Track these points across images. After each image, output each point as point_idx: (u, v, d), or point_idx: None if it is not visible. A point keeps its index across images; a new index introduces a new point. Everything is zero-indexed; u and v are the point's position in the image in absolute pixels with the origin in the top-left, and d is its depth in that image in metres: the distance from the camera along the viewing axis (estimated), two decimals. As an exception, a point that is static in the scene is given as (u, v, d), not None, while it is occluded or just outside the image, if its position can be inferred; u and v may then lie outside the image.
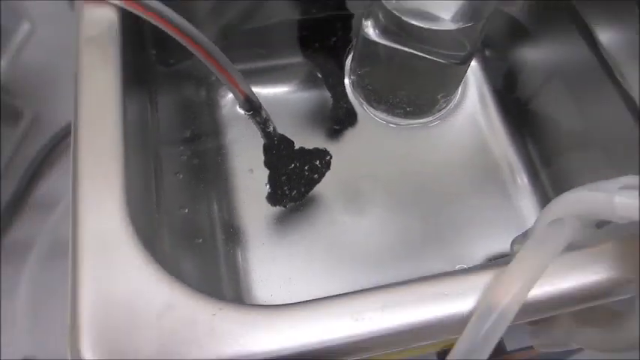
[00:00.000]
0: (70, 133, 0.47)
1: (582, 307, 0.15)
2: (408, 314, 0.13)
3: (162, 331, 0.13)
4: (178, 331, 0.13)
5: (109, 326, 0.13)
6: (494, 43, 0.30)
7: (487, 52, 0.31)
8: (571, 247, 0.15)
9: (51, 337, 0.37)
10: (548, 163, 0.27)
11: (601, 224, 0.17)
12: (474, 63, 0.30)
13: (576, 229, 0.16)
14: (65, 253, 0.37)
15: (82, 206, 0.15)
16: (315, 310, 0.13)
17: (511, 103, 0.29)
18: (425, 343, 0.13)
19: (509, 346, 0.24)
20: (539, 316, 0.14)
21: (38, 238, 0.42)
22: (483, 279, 0.14)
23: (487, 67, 0.30)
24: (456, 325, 0.13)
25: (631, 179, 0.15)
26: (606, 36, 0.24)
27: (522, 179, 0.28)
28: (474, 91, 0.29)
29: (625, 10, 0.23)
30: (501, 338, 0.16)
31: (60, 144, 0.49)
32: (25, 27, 0.45)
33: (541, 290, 0.14)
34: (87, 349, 0.13)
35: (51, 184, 0.48)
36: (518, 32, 0.29)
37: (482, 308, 0.13)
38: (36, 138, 0.49)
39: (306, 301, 0.13)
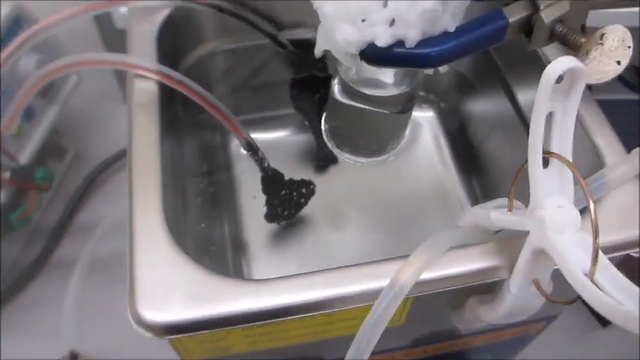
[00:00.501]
0: (106, 167, 0.54)
1: (467, 284, 0.21)
2: (340, 287, 0.20)
3: (187, 295, 0.20)
4: (197, 296, 0.20)
5: (153, 293, 0.20)
6: (449, 98, 0.38)
7: (442, 105, 0.38)
8: (468, 244, 0.22)
9: (91, 336, 0.44)
10: (487, 194, 0.34)
11: (498, 231, 0.24)
12: (430, 113, 0.38)
13: (468, 234, 0.23)
14: (101, 269, 0.44)
15: (135, 216, 0.22)
16: (282, 283, 0.20)
17: (461, 145, 0.37)
18: (354, 306, 0.20)
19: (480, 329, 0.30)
20: (432, 290, 0.21)
21: (79, 256, 0.49)
22: (397, 265, 0.21)
23: (441, 117, 0.38)
24: (375, 293, 0.20)
25: (503, 201, 0.22)
26: (523, 96, 0.31)
27: (467, 206, 0.35)
28: (429, 135, 0.37)
29: (536, 77, 0.30)
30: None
31: (98, 177, 0.56)
32: (72, 80, 0.52)
33: (436, 273, 0.21)
34: (141, 308, 0.20)
35: (90, 211, 0.55)
36: (466, 89, 0.37)
37: (389, 284, 0.20)
38: (78, 171, 0.56)
39: (277, 278, 0.20)
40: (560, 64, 0.18)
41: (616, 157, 0.25)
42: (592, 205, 0.18)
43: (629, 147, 0.27)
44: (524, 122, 0.31)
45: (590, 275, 0.18)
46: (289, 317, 0.20)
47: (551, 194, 0.19)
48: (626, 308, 0.16)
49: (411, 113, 0.28)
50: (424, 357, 0.32)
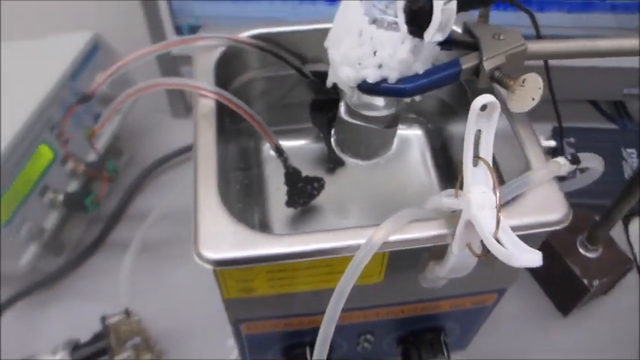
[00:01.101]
0: (155, 168, 0.65)
1: (423, 246, 0.31)
2: (334, 242, 0.30)
3: (232, 243, 0.30)
4: (239, 243, 0.30)
5: (210, 240, 0.30)
6: (434, 120, 0.47)
7: (429, 125, 0.48)
8: (428, 219, 0.32)
9: (140, 300, 0.54)
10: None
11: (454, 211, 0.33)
12: (419, 131, 0.48)
13: (428, 212, 0.32)
14: (150, 250, 0.55)
15: (199, 191, 0.32)
16: (294, 237, 0.30)
17: (442, 159, 0.46)
18: (343, 255, 0.30)
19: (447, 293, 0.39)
20: (395, 248, 0.31)
21: (132, 240, 0.58)
22: (374, 230, 0.30)
23: (428, 135, 0.47)
24: (358, 247, 0.30)
25: (451, 190, 0.32)
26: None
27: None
28: (417, 149, 0.47)
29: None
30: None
31: (148, 175, 0.67)
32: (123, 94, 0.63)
33: (400, 236, 0.31)
34: (202, 249, 0.30)
35: (141, 202, 0.66)
36: (448, 114, 0.46)
37: (366, 241, 0.30)
38: (131, 170, 0.68)
39: (291, 234, 0.30)
40: (481, 99, 0.28)
41: (539, 164, 0.34)
42: (497, 193, 0.28)
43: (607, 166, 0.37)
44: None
45: (494, 235, 0.27)
46: (298, 260, 0.30)
47: (478, 184, 0.29)
48: (510, 252, 0.26)
49: (396, 129, 0.38)
50: (402, 317, 0.42)
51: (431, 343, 0.45)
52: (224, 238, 0.30)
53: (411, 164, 0.46)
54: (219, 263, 0.30)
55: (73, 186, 0.55)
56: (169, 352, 0.53)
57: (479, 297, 0.41)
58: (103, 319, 0.49)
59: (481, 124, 0.29)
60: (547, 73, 0.43)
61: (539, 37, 0.40)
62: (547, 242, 0.55)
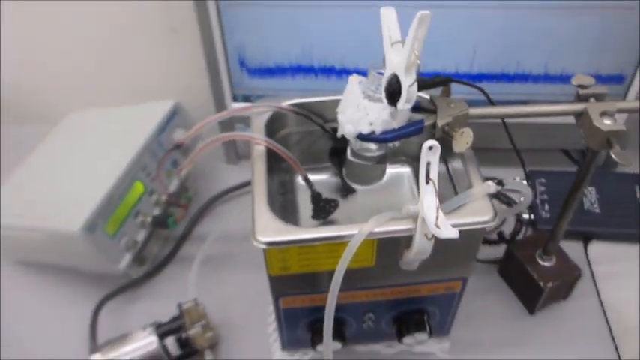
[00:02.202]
0: (213, 202, 0.86)
1: (397, 235, 0.49)
2: (341, 231, 0.48)
3: (275, 231, 0.48)
4: (279, 232, 0.48)
5: (262, 230, 0.49)
6: (417, 159, 0.66)
7: (415, 164, 0.66)
8: (400, 218, 0.49)
9: (203, 301, 0.72)
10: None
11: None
12: (407, 169, 0.66)
13: (402, 215, 0.50)
14: (210, 264, 0.75)
15: (255, 204, 0.51)
16: (316, 229, 0.48)
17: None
18: (346, 240, 0.48)
19: (422, 278, 0.56)
20: (379, 237, 0.48)
21: (197, 254, 0.75)
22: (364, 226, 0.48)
23: (413, 171, 0.66)
24: (352, 236, 0.48)
25: (413, 204, 0.50)
26: (451, 165, 0.59)
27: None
28: (407, 183, 0.65)
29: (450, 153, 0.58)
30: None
31: (208, 207, 0.87)
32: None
33: (381, 229, 0.48)
34: (257, 235, 0.48)
35: (202, 227, 0.85)
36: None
37: (358, 231, 0.48)
38: (195, 203, 0.88)
39: (314, 227, 0.49)
40: (428, 143, 0.46)
41: (477, 185, 0.52)
42: (437, 200, 0.46)
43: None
44: (451, 179, 0.59)
45: (435, 223, 0.45)
46: (316, 243, 0.48)
47: (428, 195, 0.47)
48: (440, 230, 0.43)
49: (386, 164, 0.57)
50: (392, 298, 0.59)
51: (416, 323, 0.61)
52: (270, 229, 0.49)
53: (402, 191, 0.64)
54: (268, 244, 0.48)
55: (156, 211, 0.75)
56: (223, 337, 0.71)
57: (448, 283, 0.57)
58: (180, 305, 0.67)
59: (429, 158, 0.47)
60: (506, 129, 0.61)
61: (491, 103, 0.59)
62: (514, 255, 0.71)
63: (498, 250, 0.75)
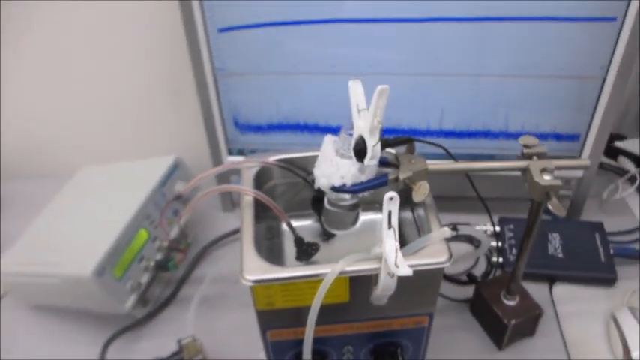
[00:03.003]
0: (209, 246, 0.95)
1: (365, 274, 0.56)
2: (317, 270, 0.56)
3: (261, 271, 0.56)
4: (264, 271, 0.56)
5: (249, 270, 0.57)
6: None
7: (387, 211, 0.75)
8: (368, 259, 0.57)
9: (201, 335, 0.79)
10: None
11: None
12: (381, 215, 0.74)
13: (368, 256, 0.58)
14: (207, 303, 0.84)
15: (243, 247, 0.59)
16: (297, 269, 0.56)
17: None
18: (321, 278, 0.55)
19: (392, 313, 0.63)
20: (350, 275, 0.56)
21: (194, 295, 0.84)
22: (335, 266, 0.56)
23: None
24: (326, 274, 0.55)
25: (379, 247, 0.58)
26: (416, 212, 0.67)
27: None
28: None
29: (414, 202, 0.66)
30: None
31: (205, 251, 0.95)
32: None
33: (351, 267, 0.56)
34: (244, 274, 0.56)
35: (200, 270, 0.93)
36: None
37: (331, 270, 0.55)
38: (194, 248, 0.96)
39: (295, 267, 0.56)
40: (389, 194, 0.54)
41: (435, 230, 0.60)
42: (397, 243, 0.54)
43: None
44: (417, 224, 0.67)
45: (394, 262, 0.53)
46: (296, 280, 0.56)
47: (389, 239, 0.55)
48: (397, 269, 0.51)
49: (358, 211, 0.65)
50: (367, 331, 0.66)
51: (391, 355, 0.68)
52: (256, 268, 0.56)
53: (376, 234, 0.72)
54: (254, 281, 0.56)
55: (158, 255, 0.83)
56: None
57: (416, 318, 0.65)
58: (179, 340, 0.74)
59: (390, 207, 0.55)
60: (470, 180, 0.70)
61: (452, 158, 0.68)
62: (482, 294, 0.79)
63: (469, 291, 0.83)
